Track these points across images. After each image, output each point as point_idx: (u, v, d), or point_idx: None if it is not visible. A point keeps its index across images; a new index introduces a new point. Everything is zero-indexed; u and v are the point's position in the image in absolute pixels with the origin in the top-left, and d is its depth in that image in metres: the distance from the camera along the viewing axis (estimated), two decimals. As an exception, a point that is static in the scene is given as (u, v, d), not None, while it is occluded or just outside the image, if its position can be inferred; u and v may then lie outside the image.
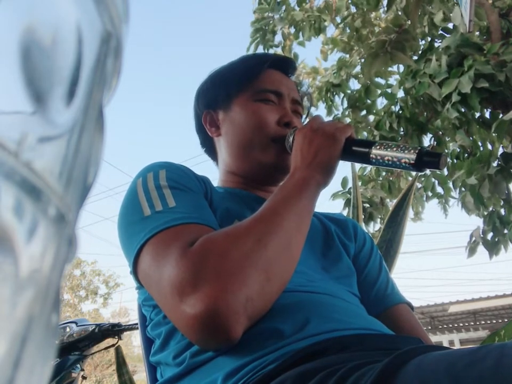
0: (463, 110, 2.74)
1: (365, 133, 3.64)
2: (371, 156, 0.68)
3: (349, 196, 3.07)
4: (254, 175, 0.84)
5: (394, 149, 0.67)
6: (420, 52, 3.38)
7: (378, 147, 0.68)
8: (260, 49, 3.86)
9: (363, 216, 3.29)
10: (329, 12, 3.71)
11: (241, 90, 0.84)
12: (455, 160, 3.24)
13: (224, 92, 0.86)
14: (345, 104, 3.72)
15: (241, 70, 0.87)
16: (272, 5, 3.75)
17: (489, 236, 3.12)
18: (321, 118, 0.76)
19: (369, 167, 3.71)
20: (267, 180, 0.85)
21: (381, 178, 3.59)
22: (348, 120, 3.70)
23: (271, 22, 3.80)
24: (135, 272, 0.65)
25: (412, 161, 0.64)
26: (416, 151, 0.64)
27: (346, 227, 0.89)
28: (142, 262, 0.61)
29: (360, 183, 3.52)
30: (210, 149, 0.94)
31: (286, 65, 0.90)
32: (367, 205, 3.37)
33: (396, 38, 3.16)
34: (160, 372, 0.69)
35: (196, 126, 0.94)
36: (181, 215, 0.62)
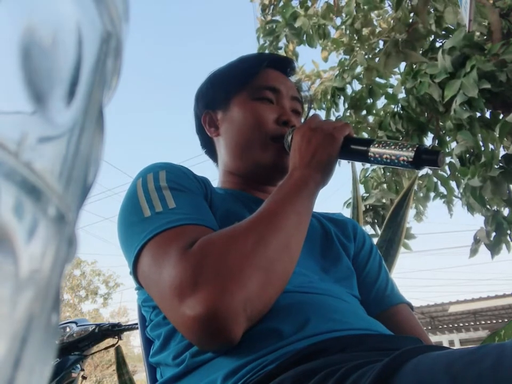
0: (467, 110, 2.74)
1: (365, 134, 3.64)
2: (369, 154, 0.68)
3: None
4: (252, 175, 0.84)
5: (393, 147, 0.66)
6: (421, 52, 3.38)
7: (376, 145, 0.68)
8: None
9: (376, 221, 3.29)
10: (331, 13, 3.70)
11: (239, 89, 0.84)
12: (458, 161, 3.24)
13: (222, 92, 0.86)
14: (346, 105, 3.72)
15: (239, 70, 0.87)
16: (287, 20, 3.74)
17: (492, 236, 3.12)
18: (319, 117, 0.75)
19: (370, 170, 3.72)
20: (266, 180, 0.85)
21: (383, 181, 3.59)
22: (348, 121, 3.70)
23: (282, 33, 3.80)
24: (135, 273, 0.64)
25: (410, 159, 0.64)
26: (415, 149, 0.64)
27: (346, 227, 0.89)
28: (142, 263, 0.61)
29: (362, 188, 3.52)
30: (210, 149, 0.94)
31: (285, 64, 0.90)
32: (380, 208, 3.36)
33: (407, 37, 3.16)
34: (160, 372, 0.69)
35: (196, 127, 0.94)
36: (180, 216, 0.62)
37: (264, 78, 0.85)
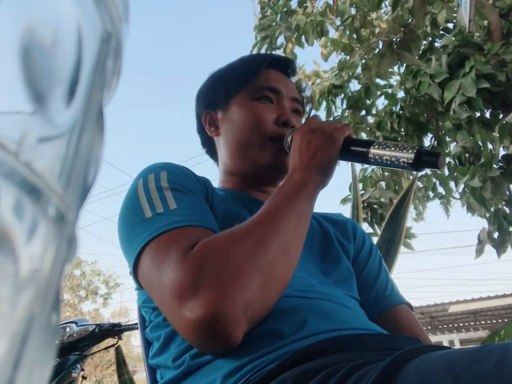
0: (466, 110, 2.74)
1: (364, 134, 3.64)
2: (369, 155, 0.68)
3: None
4: (252, 175, 0.84)
5: (393, 148, 0.66)
6: (420, 52, 3.38)
7: (376, 147, 0.68)
8: (263, 52, 3.85)
9: (374, 219, 3.29)
10: (330, 12, 3.70)
11: (239, 89, 0.84)
12: (456, 161, 3.24)
13: (222, 91, 0.86)
14: (345, 105, 3.72)
15: (239, 70, 0.87)
16: (280, 14, 3.73)
17: (495, 235, 3.12)
18: (319, 118, 0.75)
19: (369, 169, 3.72)
20: (265, 180, 0.85)
21: (382, 179, 3.59)
22: (347, 121, 3.69)
23: (277, 30, 3.78)
24: (135, 273, 0.64)
25: (410, 161, 0.64)
26: (415, 151, 0.64)
27: (345, 228, 0.89)
28: (143, 265, 0.61)
29: (361, 186, 3.52)
30: (211, 149, 0.94)
31: (285, 65, 0.90)
32: (377, 206, 3.36)
33: (402, 38, 3.16)
34: (160, 374, 0.69)
35: (197, 127, 0.95)
36: (181, 217, 0.62)
37: (265, 78, 0.85)
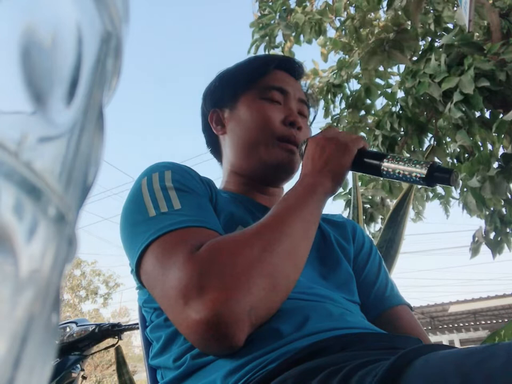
0: (463, 109, 2.73)
1: (364, 134, 3.64)
2: (382, 168, 0.69)
3: (349, 196, 3.07)
4: (257, 175, 0.84)
5: (406, 162, 0.67)
6: (420, 52, 3.38)
7: (390, 160, 0.69)
8: (261, 51, 3.85)
9: (364, 217, 3.29)
10: (330, 12, 3.70)
11: (247, 89, 0.85)
12: (455, 161, 3.24)
13: (230, 90, 0.87)
14: (343, 105, 3.72)
15: (248, 70, 0.87)
16: (279, 12, 3.72)
17: (492, 235, 3.12)
18: (336, 129, 0.76)
19: None
20: (270, 180, 0.85)
21: (381, 179, 3.59)
22: (346, 121, 3.69)
23: (275, 28, 3.77)
24: (137, 272, 0.64)
25: (423, 176, 0.65)
26: (428, 166, 0.65)
27: (345, 229, 0.89)
28: (146, 263, 0.61)
29: (360, 183, 3.51)
30: (215, 149, 0.94)
31: (293, 67, 0.90)
32: (368, 206, 3.36)
33: (394, 37, 3.16)
34: (160, 374, 0.69)
35: (202, 126, 0.94)
36: (186, 217, 0.62)
37: (273, 79, 0.85)
